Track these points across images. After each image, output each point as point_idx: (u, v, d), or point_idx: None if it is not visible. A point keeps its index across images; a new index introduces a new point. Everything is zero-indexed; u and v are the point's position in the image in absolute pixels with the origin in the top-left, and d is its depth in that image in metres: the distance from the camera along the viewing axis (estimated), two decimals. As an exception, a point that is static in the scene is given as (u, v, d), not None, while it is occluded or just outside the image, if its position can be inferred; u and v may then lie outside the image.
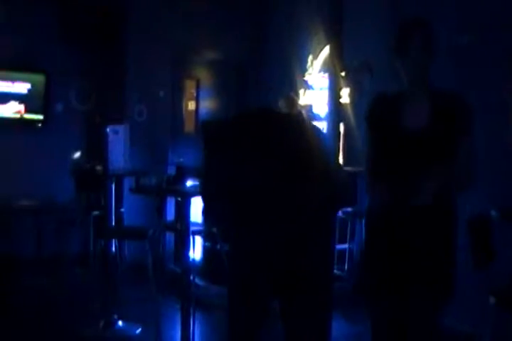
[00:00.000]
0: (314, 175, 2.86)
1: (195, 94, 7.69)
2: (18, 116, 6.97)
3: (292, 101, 3.07)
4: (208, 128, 3.56)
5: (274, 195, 2.83)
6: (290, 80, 6.30)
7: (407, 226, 2.83)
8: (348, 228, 6.08)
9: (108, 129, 4.98)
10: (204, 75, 7.71)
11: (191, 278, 4.35)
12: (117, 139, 4.94)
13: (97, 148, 5.79)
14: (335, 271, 5.81)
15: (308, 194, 2.85)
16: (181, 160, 5.27)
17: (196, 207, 4.32)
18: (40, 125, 7.10)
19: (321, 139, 2.97)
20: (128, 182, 5.21)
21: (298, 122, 3.00)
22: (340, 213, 5.55)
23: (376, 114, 3.00)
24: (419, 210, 2.75)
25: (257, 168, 2.85)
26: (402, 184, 2.80)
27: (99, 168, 5.07)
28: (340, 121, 4.19)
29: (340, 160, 4.88)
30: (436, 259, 2.83)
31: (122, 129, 4.98)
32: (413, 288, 2.84)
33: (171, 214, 6.62)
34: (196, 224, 4.69)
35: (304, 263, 2.86)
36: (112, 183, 5.06)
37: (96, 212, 6.01)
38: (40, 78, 7.04)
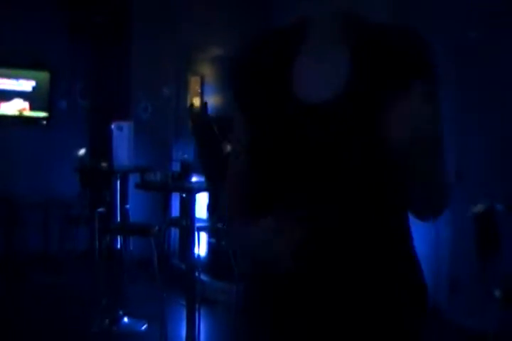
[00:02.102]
0: None
1: (199, 91, 7.67)
2: (22, 113, 6.98)
3: None
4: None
5: None
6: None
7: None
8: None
9: (113, 126, 4.99)
10: (209, 72, 7.69)
11: (196, 274, 4.35)
12: (122, 136, 4.94)
13: (101, 145, 5.81)
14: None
15: None
16: (186, 156, 5.26)
17: (201, 203, 4.33)
18: (44, 122, 7.12)
19: None
20: (133, 179, 5.21)
21: None
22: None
23: (245, 75, 1.53)
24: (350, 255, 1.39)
25: None
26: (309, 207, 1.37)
27: (104, 164, 5.08)
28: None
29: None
30: None
31: (127, 126, 4.99)
32: None
33: (176, 210, 6.62)
34: (201, 220, 4.69)
35: None
36: (116, 180, 5.07)
37: (101, 209, 6.01)
38: (44, 75, 7.05)
